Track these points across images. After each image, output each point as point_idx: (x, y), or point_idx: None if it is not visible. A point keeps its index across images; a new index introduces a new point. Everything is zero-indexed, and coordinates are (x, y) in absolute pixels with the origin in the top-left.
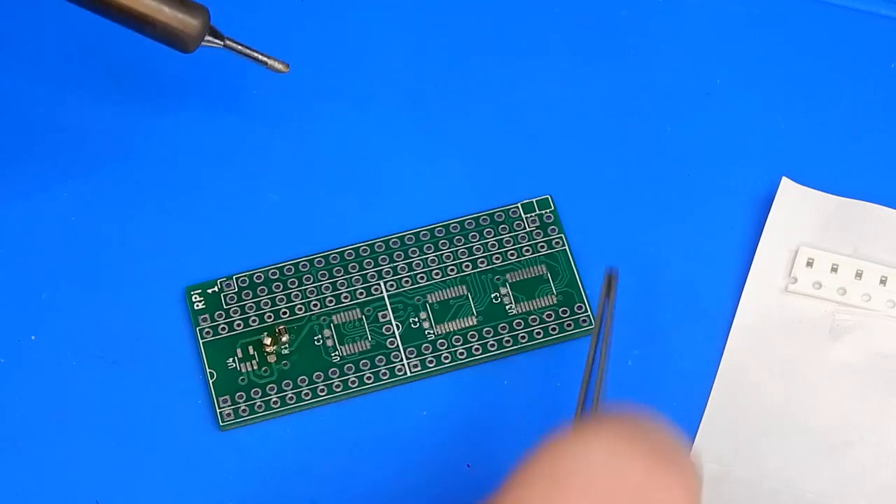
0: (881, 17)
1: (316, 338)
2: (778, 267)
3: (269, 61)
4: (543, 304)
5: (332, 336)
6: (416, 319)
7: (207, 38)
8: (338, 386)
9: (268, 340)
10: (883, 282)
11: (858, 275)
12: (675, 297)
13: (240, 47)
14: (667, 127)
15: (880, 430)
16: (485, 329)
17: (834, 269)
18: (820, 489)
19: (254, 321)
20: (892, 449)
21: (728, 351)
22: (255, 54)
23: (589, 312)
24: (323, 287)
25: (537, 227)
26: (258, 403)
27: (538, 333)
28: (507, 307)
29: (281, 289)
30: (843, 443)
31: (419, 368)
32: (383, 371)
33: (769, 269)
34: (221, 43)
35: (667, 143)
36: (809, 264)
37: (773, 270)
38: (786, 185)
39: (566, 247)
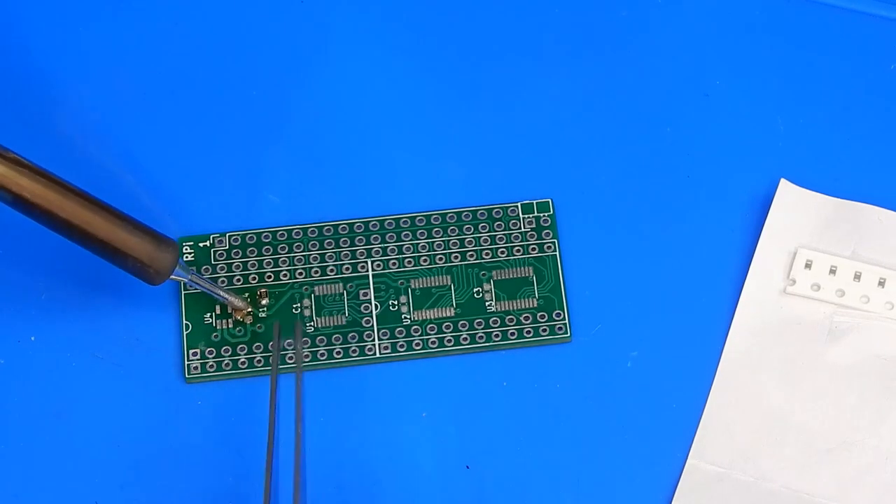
0: (881, 18)
1: (295, 306)
2: (776, 269)
3: (230, 298)
4: (523, 306)
5: (311, 306)
6: (396, 302)
7: (176, 272)
8: (306, 356)
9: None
10: (881, 283)
11: (857, 276)
12: (674, 299)
13: (203, 283)
14: (666, 128)
15: (879, 431)
16: (461, 322)
17: (832, 271)
18: (819, 490)
19: (238, 280)
20: (890, 449)
21: (727, 352)
22: (218, 290)
23: (567, 321)
24: (311, 257)
25: (532, 229)
26: (226, 361)
27: (512, 334)
28: (487, 304)
29: (270, 252)
30: (841, 443)
31: (389, 351)
32: (353, 348)
33: (768, 270)
34: (188, 277)
35: (666, 144)
36: (808, 266)
37: (772, 272)
38: (784, 186)
39: (557, 252)
